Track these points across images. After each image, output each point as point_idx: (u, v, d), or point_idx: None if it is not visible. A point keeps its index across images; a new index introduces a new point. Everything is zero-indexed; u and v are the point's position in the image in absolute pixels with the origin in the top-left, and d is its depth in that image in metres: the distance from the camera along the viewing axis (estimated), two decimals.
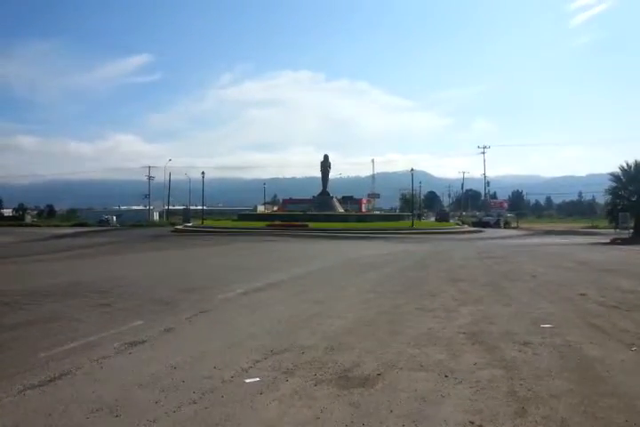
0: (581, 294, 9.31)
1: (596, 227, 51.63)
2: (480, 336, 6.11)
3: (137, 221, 60.38)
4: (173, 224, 54.66)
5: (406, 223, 47.90)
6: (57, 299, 8.95)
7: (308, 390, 4.24)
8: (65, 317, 7.37)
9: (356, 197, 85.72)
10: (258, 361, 5.07)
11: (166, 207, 74.27)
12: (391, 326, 6.78)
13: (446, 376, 4.59)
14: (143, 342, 5.91)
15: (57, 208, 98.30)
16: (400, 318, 7.26)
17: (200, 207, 64.07)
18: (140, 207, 77.29)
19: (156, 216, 71.06)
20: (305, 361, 5.06)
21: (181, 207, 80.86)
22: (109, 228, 52.97)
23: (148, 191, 74.27)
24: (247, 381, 4.47)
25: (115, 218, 65.62)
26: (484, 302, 8.68)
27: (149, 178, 76.28)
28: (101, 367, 4.93)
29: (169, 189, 74.15)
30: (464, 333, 6.30)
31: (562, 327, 6.55)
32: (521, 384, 4.33)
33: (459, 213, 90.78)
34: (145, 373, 4.75)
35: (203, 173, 53.26)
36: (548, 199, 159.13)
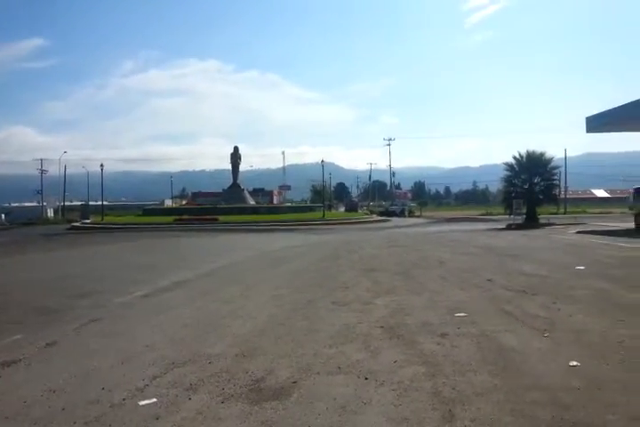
0: (488, 280, 9.50)
1: (490, 214, 54.93)
2: (397, 330, 5.87)
3: (29, 219, 55.26)
4: (70, 221, 50.57)
5: (317, 214, 48.06)
6: None
7: (213, 410, 3.69)
8: None
9: (267, 189, 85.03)
10: (156, 377, 4.41)
11: (62, 203, 68.73)
12: (306, 323, 6.38)
13: (366, 379, 4.24)
14: (18, 360, 5.02)
15: None
16: (315, 315, 6.88)
17: (100, 203, 59.99)
18: (33, 204, 70.85)
19: (50, 213, 65.30)
20: (211, 373, 4.49)
21: (80, 203, 75.21)
22: None
23: (40, 186, 68.36)
24: (142, 403, 3.82)
25: (4, 216, 59.47)
26: (397, 292, 8.55)
27: (41, 171, 70.27)
28: None
29: (64, 183, 68.77)
30: (381, 326, 6.04)
31: (475, 315, 6.50)
32: (444, 382, 4.09)
33: (367, 204, 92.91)
34: (15, 400, 3.95)
35: (102, 165, 49.71)
36: (447, 189, 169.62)
